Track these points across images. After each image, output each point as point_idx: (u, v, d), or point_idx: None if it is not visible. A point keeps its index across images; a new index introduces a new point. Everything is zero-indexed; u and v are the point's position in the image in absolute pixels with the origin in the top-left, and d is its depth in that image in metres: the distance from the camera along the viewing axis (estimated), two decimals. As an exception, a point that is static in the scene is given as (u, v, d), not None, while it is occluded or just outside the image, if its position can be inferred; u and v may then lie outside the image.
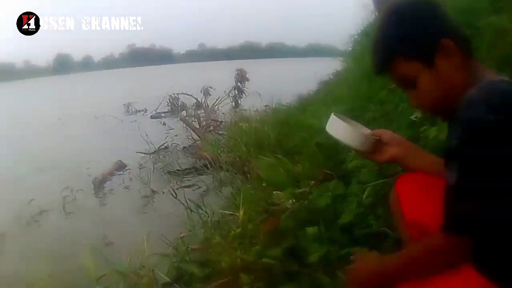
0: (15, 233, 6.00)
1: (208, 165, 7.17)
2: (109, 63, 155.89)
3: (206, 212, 4.63)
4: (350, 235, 2.83)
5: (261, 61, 79.88)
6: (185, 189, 6.76)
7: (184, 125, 11.87)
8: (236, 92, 16.16)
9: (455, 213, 1.23)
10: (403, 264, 1.43)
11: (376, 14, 6.52)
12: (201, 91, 15.67)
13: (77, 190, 7.11)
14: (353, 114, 4.44)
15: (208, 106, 14.65)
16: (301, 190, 3.69)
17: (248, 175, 5.73)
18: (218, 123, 11.83)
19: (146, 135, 9.93)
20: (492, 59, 3.14)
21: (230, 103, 15.69)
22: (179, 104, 17.33)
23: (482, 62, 1.57)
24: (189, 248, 3.71)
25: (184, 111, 15.72)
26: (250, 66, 17.43)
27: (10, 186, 8.59)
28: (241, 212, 3.73)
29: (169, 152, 9.59)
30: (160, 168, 8.49)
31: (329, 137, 1.79)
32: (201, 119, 11.93)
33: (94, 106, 22.32)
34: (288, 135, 6.40)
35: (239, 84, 16.19)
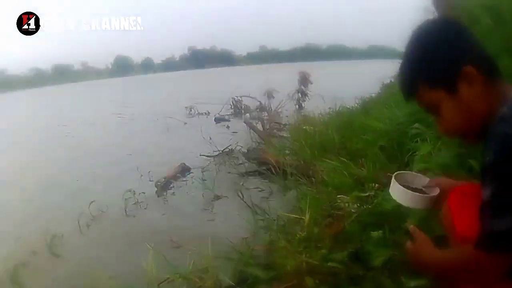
0: (75, 235, 6.09)
1: (272, 168, 7.15)
2: (170, 65, 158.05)
3: (269, 214, 4.63)
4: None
5: (322, 63, 79.30)
6: (250, 192, 6.77)
7: (248, 128, 11.91)
8: (300, 94, 16.11)
9: (488, 229, 1.22)
10: (448, 264, 1.49)
11: (436, 15, 6.40)
12: (264, 94, 15.69)
13: (139, 193, 7.20)
14: (415, 117, 4.40)
15: (271, 108, 14.66)
16: (366, 194, 3.68)
17: (313, 178, 5.70)
18: (281, 126, 11.80)
19: (210, 138, 10.03)
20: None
21: (294, 105, 15.65)
22: (242, 106, 17.42)
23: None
24: (253, 251, 3.71)
25: (248, 114, 15.79)
26: (311, 68, 17.36)
27: (72, 187, 8.85)
28: (307, 215, 3.73)
29: (233, 155, 9.61)
30: (224, 171, 8.52)
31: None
32: (265, 121, 11.93)
33: (156, 108, 22.74)
34: (352, 138, 6.36)
35: (302, 86, 16.13)
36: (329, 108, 10.60)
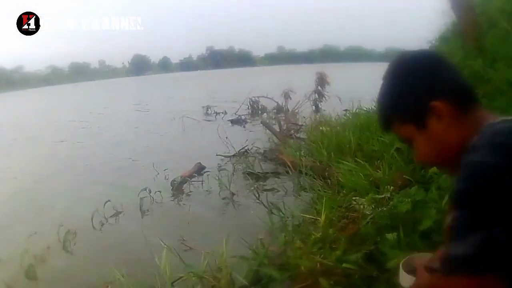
0: (89, 231, 6.14)
1: (288, 169, 7.15)
2: (187, 65, 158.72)
3: (284, 215, 4.60)
4: (429, 240, 2.80)
5: (340, 65, 79.06)
6: (265, 192, 6.80)
7: (265, 128, 11.92)
8: (317, 95, 16.06)
9: (448, 253, 1.22)
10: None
11: (454, 19, 6.38)
12: (281, 95, 15.69)
13: (155, 192, 7.22)
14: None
15: (288, 109, 14.66)
16: (381, 196, 3.68)
17: (329, 180, 5.70)
18: (298, 127, 11.79)
19: (226, 137, 10.01)
20: None
21: (311, 106, 15.63)
22: (259, 107, 17.43)
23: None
24: (268, 251, 3.71)
25: (265, 114, 15.80)
26: (329, 69, 17.22)
27: (87, 184, 8.96)
28: (323, 216, 3.74)
29: (250, 155, 9.61)
30: (240, 171, 8.52)
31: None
32: (282, 122, 11.93)
33: (172, 107, 22.81)
34: (369, 140, 6.35)
35: (319, 87, 16.10)
36: (346, 109, 10.59)
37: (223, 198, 7.10)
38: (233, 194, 7.08)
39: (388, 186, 4.01)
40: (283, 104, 15.35)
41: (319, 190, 5.38)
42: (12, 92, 73.00)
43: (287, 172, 7.14)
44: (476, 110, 1.47)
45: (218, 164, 9.03)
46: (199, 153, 10.28)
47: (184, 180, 8.11)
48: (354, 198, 4.03)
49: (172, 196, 7.60)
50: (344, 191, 4.66)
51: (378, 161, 5.20)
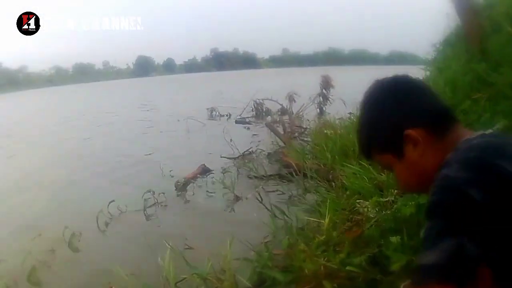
0: (93, 233, 6.13)
1: (293, 171, 7.16)
2: (191, 67, 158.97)
3: (289, 217, 4.60)
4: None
5: (344, 67, 79.10)
6: (269, 194, 6.82)
7: (269, 130, 11.93)
8: (321, 98, 16.07)
9: (418, 262, 1.23)
10: None
11: (459, 23, 6.39)
12: (286, 97, 15.70)
13: (159, 193, 7.22)
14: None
15: (293, 112, 14.67)
16: (385, 199, 3.69)
17: (333, 182, 5.71)
18: (302, 129, 11.80)
19: (231, 139, 10.06)
20: None
21: (315, 109, 15.64)
22: (264, 109, 17.45)
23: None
24: (272, 254, 3.72)
25: (269, 117, 15.82)
26: (333, 72, 17.25)
27: (91, 185, 8.99)
28: (327, 219, 3.75)
29: (254, 158, 9.64)
30: (244, 173, 8.53)
31: None
32: (286, 125, 11.95)
33: (177, 109, 22.85)
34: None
35: (324, 90, 16.10)
36: (350, 112, 10.60)
37: (227, 200, 7.10)
38: (237, 196, 7.09)
39: (392, 189, 4.01)
40: (288, 106, 15.35)
41: (323, 192, 5.39)
42: (17, 92, 73.22)
43: (291, 175, 7.14)
44: (454, 130, 1.50)
45: (222, 166, 9.02)
46: (203, 155, 10.33)
47: (188, 182, 8.13)
48: (358, 201, 4.03)
49: (176, 197, 7.59)
50: (347, 193, 4.67)
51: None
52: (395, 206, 3.44)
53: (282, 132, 11.21)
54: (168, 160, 10.31)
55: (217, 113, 19.50)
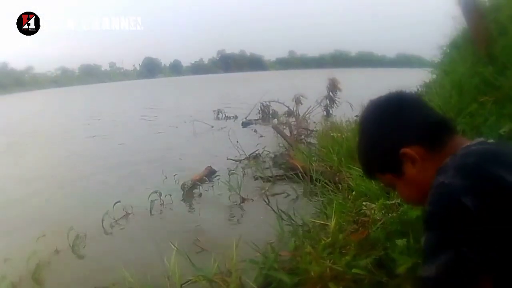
0: (99, 234, 6.16)
1: (299, 173, 7.17)
2: (198, 69, 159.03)
3: (293, 220, 4.62)
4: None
5: (351, 70, 78.98)
6: (276, 196, 6.81)
7: (275, 133, 11.95)
8: (328, 101, 16.08)
9: (419, 275, 1.24)
10: None
11: (465, 25, 6.38)
12: (292, 99, 15.71)
13: (165, 195, 7.25)
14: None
15: (299, 114, 14.67)
16: (391, 202, 3.69)
17: (339, 185, 5.71)
18: (309, 132, 11.82)
19: (237, 141, 10.04)
20: None
21: (322, 112, 15.65)
22: (270, 111, 17.46)
23: None
24: (278, 256, 3.71)
25: (276, 119, 15.83)
26: (339, 75, 17.27)
27: (97, 186, 9.02)
28: (333, 222, 3.75)
29: (260, 160, 9.65)
30: (250, 175, 8.55)
31: None
32: (293, 127, 11.95)
33: (183, 111, 22.89)
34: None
35: (330, 93, 16.11)
36: (357, 115, 10.60)
37: (233, 202, 7.11)
38: (243, 198, 7.10)
39: (398, 192, 4.01)
40: (294, 109, 15.35)
41: (329, 195, 5.40)
42: (23, 93, 73.44)
43: (298, 177, 7.14)
44: (452, 141, 1.50)
45: (228, 168, 9.01)
46: (210, 157, 10.37)
47: (194, 184, 8.14)
48: (364, 203, 4.03)
49: (182, 199, 7.61)
50: (354, 195, 4.67)
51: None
52: (401, 208, 3.44)
53: (288, 134, 11.23)
54: (175, 162, 10.39)
55: (224, 115, 19.56)
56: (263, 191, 7.22)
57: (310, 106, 14.69)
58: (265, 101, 17.76)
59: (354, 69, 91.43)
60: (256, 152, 9.94)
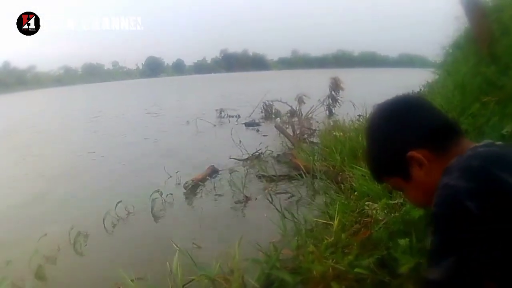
0: (100, 233, 6.16)
1: (302, 173, 7.17)
2: (201, 68, 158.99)
3: (296, 219, 4.62)
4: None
5: (353, 70, 78.96)
6: (279, 195, 6.81)
7: (278, 132, 11.95)
8: (330, 100, 16.09)
9: (425, 277, 1.24)
10: None
11: (468, 25, 6.38)
12: (295, 99, 15.71)
13: (167, 194, 7.27)
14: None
15: (302, 114, 14.68)
16: (394, 201, 3.69)
17: (342, 184, 5.72)
18: (312, 131, 11.83)
19: (240, 141, 10.09)
20: None
21: (324, 111, 15.66)
22: (273, 111, 17.46)
23: None
24: (280, 255, 3.71)
25: (278, 118, 15.83)
26: (342, 74, 17.27)
27: (99, 185, 9.03)
28: (335, 221, 3.76)
29: (263, 159, 9.64)
30: (253, 175, 8.53)
31: None
32: (295, 126, 11.96)
33: (186, 110, 22.90)
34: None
35: (333, 92, 16.11)
36: (359, 115, 10.60)
37: (236, 202, 7.11)
38: (246, 197, 7.11)
39: (401, 192, 4.01)
40: (297, 108, 15.35)
41: (332, 194, 5.40)
42: (26, 92, 73.49)
43: (301, 176, 7.15)
44: (458, 143, 1.50)
45: (231, 167, 9.03)
46: (213, 156, 10.35)
47: (197, 183, 8.13)
48: (367, 203, 4.03)
49: (184, 198, 7.61)
50: (356, 195, 4.68)
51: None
52: (404, 208, 3.44)
53: (291, 134, 11.23)
54: (177, 161, 10.39)
55: (226, 114, 19.53)
56: (265, 190, 7.22)
57: (313, 106, 14.74)
58: (267, 101, 17.77)
59: (357, 69, 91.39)
60: (259, 151, 9.94)
